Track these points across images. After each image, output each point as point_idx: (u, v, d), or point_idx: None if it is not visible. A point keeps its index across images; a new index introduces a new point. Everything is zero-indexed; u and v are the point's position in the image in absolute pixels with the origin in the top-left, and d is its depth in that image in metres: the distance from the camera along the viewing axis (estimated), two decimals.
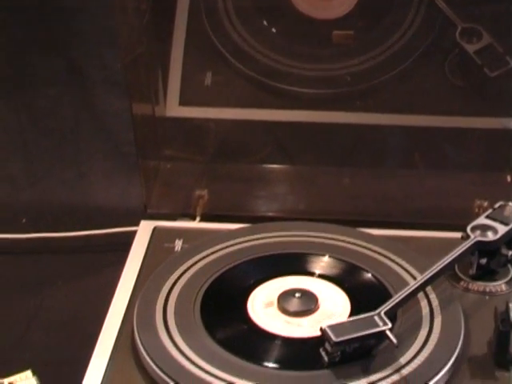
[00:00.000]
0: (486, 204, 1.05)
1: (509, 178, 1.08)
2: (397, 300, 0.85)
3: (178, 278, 0.93)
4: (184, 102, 1.14)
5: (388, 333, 0.81)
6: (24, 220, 1.18)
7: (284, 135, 1.14)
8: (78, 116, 1.25)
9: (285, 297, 0.90)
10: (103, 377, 0.82)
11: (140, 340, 0.84)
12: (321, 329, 0.81)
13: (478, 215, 0.96)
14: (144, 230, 1.04)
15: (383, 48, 1.10)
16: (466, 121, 1.10)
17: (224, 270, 0.95)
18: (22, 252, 1.12)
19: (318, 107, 1.12)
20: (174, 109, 1.14)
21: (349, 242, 0.99)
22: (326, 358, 0.81)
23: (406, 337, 0.84)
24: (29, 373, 0.89)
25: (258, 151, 1.15)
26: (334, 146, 1.13)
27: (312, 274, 0.95)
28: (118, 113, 1.22)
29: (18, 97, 1.25)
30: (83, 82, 1.24)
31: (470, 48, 1.06)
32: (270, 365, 0.82)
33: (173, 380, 0.79)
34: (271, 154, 1.15)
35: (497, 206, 0.96)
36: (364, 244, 0.98)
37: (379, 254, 0.97)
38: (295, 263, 0.96)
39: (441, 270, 0.88)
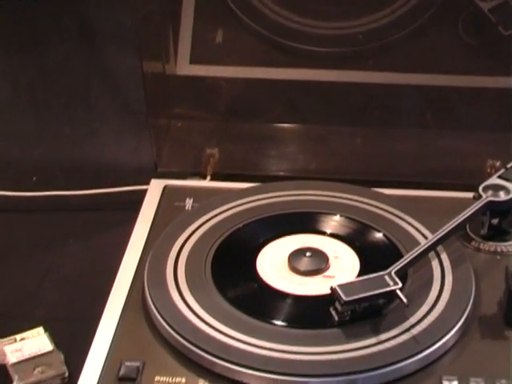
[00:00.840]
0: (498, 164, 1.04)
1: None
2: (408, 259, 0.85)
3: (189, 236, 0.93)
4: (195, 60, 1.13)
5: (398, 292, 0.81)
6: (35, 178, 1.18)
7: (295, 94, 1.14)
8: (89, 74, 1.24)
9: (295, 256, 0.90)
10: (114, 334, 0.83)
11: (151, 298, 0.85)
12: (331, 288, 0.81)
13: (490, 175, 0.96)
14: (154, 189, 1.04)
15: (396, 6, 1.08)
16: (480, 80, 1.08)
17: (234, 228, 0.95)
18: (33, 210, 1.12)
19: (330, 66, 1.11)
20: (184, 67, 1.13)
21: (360, 202, 0.98)
22: (335, 317, 0.81)
23: (417, 296, 0.84)
24: (41, 329, 0.90)
25: (269, 110, 1.14)
26: (346, 106, 1.12)
27: (323, 233, 0.94)
28: (129, 71, 1.21)
29: (28, 54, 1.25)
30: (94, 40, 1.23)
31: (485, 6, 1.04)
32: (280, 323, 0.82)
33: (183, 337, 0.80)
34: (282, 113, 1.14)
35: (509, 165, 0.95)
36: (375, 203, 0.98)
37: (390, 213, 0.97)
38: (306, 222, 0.96)
39: (452, 229, 0.88)
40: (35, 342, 0.88)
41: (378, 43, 1.10)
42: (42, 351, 0.87)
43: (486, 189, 0.92)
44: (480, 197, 0.92)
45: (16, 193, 1.13)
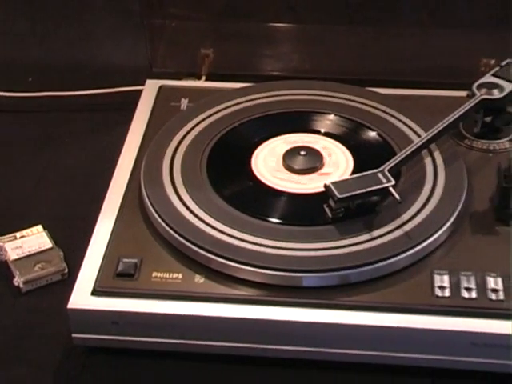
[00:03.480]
0: (492, 62, 1.02)
1: None
2: (401, 157, 0.84)
3: (184, 136, 0.93)
4: None
5: (391, 189, 0.81)
6: (30, 79, 1.17)
7: None
8: None
9: (290, 154, 0.89)
10: (111, 232, 0.83)
11: (147, 196, 0.85)
12: (325, 185, 0.81)
13: (484, 73, 0.94)
14: (150, 89, 1.03)
15: None
16: None
17: (229, 128, 0.94)
18: (29, 111, 1.11)
19: None
20: None
21: (355, 101, 0.98)
22: (329, 214, 0.81)
23: (410, 193, 0.84)
24: (40, 227, 0.90)
25: (264, 9, 1.12)
26: (342, 4, 1.10)
27: (317, 132, 0.94)
28: None
29: None
30: None
31: None
32: (274, 220, 0.82)
33: (179, 234, 0.80)
34: (278, 12, 1.12)
35: (504, 63, 0.94)
36: (370, 102, 0.97)
37: (385, 112, 0.96)
38: (300, 121, 0.95)
39: (445, 127, 0.88)
40: (35, 239, 0.89)
41: None
42: (42, 248, 0.88)
43: (479, 87, 0.91)
44: (474, 95, 0.91)
45: (12, 93, 1.12)
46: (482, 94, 0.90)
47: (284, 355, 0.77)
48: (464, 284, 0.77)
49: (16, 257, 0.87)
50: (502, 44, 1.02)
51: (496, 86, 0.91)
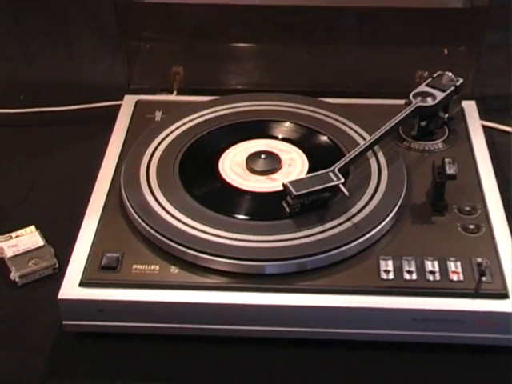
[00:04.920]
0: (426, 74, 1.03)
1: (446, 51, 1.06)
2: (349, 158, 0.85)
3: (159, 144, 0.92)
4: None
5: (341, 186, 0.81)
6: (22, 97, 1.15)
7: (252, 17, 1.11)
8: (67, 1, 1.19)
9: (252, 158, 0.89)
10: (96, 230, 0.82)
11: (127, 198, 0.84)
12: (283, 184, 0.81)
13: (419, 84, 0.95)
14: (128, 103, 1.02)
15: None
16: (410, 1, 1.06)
17: (199, 136, 0.94)
18: (22, 125, 1.10)
19: None
20: None
21: (308, 110, 0.98)
22: (287, 210, 0.81)
23: (357, 189, 0.84)
24: (32, 227, 0.89)
25: (228, 31, 1.12)
26: (295, 26, 1.10)
27: (276, 138, 0.94)
28: None
29: None
30: None
31: None
32: (240, 216, 0.82)
33: (156, 231, 0.80)
34: (241, 33, 1.12)
35: (436, 75, 0.95)
36: (321, 111, 0.97)
37: (334, 119, 0.96)
38: (261, 129, 0.95)
39: (387, 131, 0.88)
40: (28, 238, 0.88)
41: None
42: (35, 246, 0.87)
43: (415, 96, 0.92)
44: (410, 103, 0.91)
45: (6, 110, 1.10)
46: (417, 102, 0.91)
47: (250, 335, 0.77)
48: (406, 267, 0.77)
49: (12, 254, 0.86)
50: (434, 58, 1.04)
51: (429, 94, 0.92)
